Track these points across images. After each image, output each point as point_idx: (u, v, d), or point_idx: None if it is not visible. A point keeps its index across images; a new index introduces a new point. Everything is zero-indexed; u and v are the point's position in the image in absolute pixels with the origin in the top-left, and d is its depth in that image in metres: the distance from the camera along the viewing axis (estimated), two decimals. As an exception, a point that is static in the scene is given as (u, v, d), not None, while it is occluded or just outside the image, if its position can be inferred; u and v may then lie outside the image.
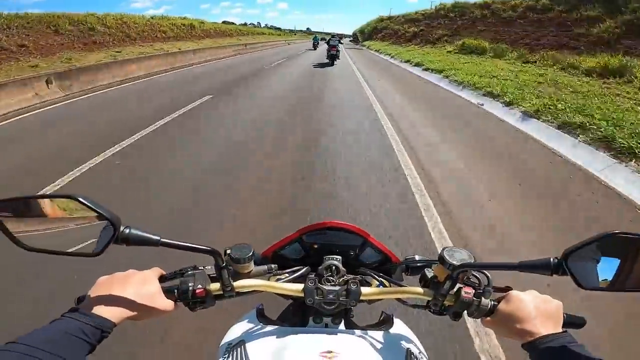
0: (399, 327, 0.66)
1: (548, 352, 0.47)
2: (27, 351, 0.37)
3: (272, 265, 0.65)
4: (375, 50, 26.37)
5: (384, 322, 0.67)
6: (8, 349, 0.37)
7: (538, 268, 0.49)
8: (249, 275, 0.61)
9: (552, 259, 0.48)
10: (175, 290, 0.54)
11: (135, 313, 0.49)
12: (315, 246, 0.70)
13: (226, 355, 0.57)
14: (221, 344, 0.63)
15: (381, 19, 40.94)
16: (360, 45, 39.07)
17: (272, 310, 0.70)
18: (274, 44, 37.37)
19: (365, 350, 0.58)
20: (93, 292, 0.49)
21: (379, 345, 0.59)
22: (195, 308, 0.57)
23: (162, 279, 0.56)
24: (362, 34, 48.38)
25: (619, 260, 0.46)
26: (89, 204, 0.43)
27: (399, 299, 0.65)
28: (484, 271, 0.58)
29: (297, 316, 0.70)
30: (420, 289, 0.59)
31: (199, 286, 0.55)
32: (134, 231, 0.47)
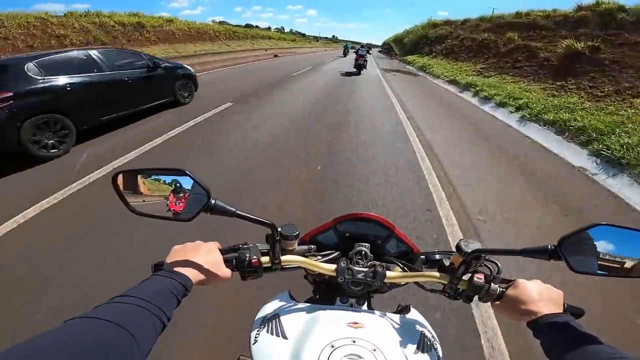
0: (415, 314, 0.74)
1: (549, 327, 0.54)
2: (139, 303, 0.45)
3: (312, 246, 0.76)
4: (448, 81, 12.21)
5: (402, 311, 0.75)
6: (126, 301, 0.45)
7: (537, 253, 0.57)
8: (293, 252, 0.72)
9: (549, 246, 0.56)
10: (234, 260, 0.66)
11: (203, 277, 0.59)
12: (347, 234, 0.80)
13: (262, 327, 0.65)
14: (256, 318, 0.70)
15: (434, 24, 27.22)
16: (399, 60, 26.42)
17: (299, 296, 0.78)
18: (262, 56, 22.99)
19: (385, 327, 0.66)
20: (170, 258, 0.59)
21: (397, 326, 0.68)
22: (247, 277, 0.68)
23: (220, 251, 0.66)
24: (398, 44, 37.49)
25: (610, 248, 0.54)
26: (192, 177, 0.57)
27: (417, 284, 0.75)
28: (495, 261, 0.67)
29: (325, 296, 0.80)
30: (437, 274, 0.69)
31: (254, 257, 0.66)
32: (218, 202, 0.59)
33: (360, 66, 14.98)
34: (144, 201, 0.60)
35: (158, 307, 0.47)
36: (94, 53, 4.67)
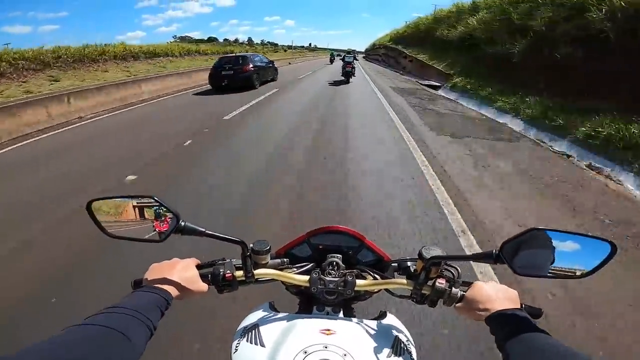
0: (390, 319, 0.77)
1: (500, 320, 0.58)
2: (129, 312, 0.50)
3: (285, 260, 0.80)
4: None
5: (379, 317, 0.78)
6: (117, 311, 0.50)
7: (484, 258, 0.63)
8: (265, 266, 0.76)
9: (494, 251, 0.61)
10: (209, 275, 0.70)
11: (179, 293, 0.63)
12: (320, 247, 0.84)
13: (242, 337, 0.69)
14: (237, 328, 0.73)
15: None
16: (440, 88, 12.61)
17: (287, 307, 0.82)
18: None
19: (358, 333, 0.70)
20: (149, 275, 0.63)
21: (371, 331, 0.70)
22: (223, 291, 0.72)
23: (198, 267, 0.70)
24: (397, 46, 25.94)
25: (547, 251, 0.59)
26: (160, 202, 0.61)
27: (387, 291, 0.79)
28: (455, 266, 0.73)
29: (303, 308, 0.84)
30: (403, 280, 0.74)
31: (228, 271, 0.70)
32: (188, 224, 0.64)
33: (348, 74, 14.75)
34: (118, 226, 0.64)
35: (146, 317, 0.52)
36: (259, 55, 15.15)
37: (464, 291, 0.67)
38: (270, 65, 14.69)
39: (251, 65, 12.07)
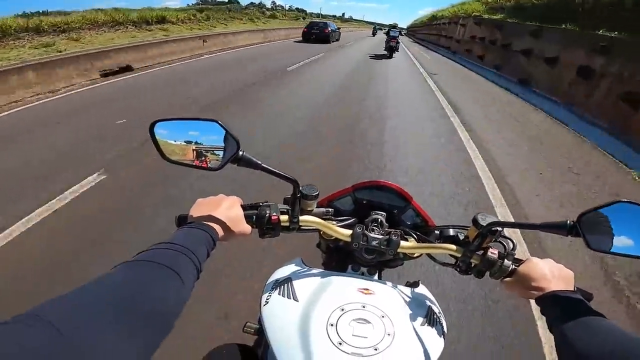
0: (423, 290, 0.76)
1: (555, 303, 0.55)
2: (181, 250, 0.48)
3: (329, 209, 0.80)
4: None
5: (412, 285, 0.77)
6: (170, 248, 0.48)
7: (556, 228, 0.58)
8: (310, 213, 0.75)
9: (568, 221, 0.56)
10: (254, 217, 0.69)
11: (224, 233, 0.61)
12: (365, 202, 0.83)
13: (274, 290, 0.69)
14: (267, 282, 0.73)
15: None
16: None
17: (309, 264, 0.79)
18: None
19: (395, 297, 0.69)
20: (195, 212, 0.62)
21: (407, 298, 0.70)
22: (265, 235, 0.71)
23: (242, 207, 0.69)
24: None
25: (631, 226, 0.53)
26: (224, 127, 0.60)
27: (430, 256, 0.78)
28: (510, 238, 0.69)
29: (337, 264, 0.83)
30: (452, 246, 0.71)
31: (274, 214, 0.69)
32: (246, 155, 0.62)
33: (392, 49, 14.53)
34: (177, 149, 0.64)
35: (195, 256, 0.50)
36: (332, 23, 22.92)
37: (516, 265, 0.65)
38: (338, 30, 23.10)
39: (329, 29, 20.40)
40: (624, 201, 0.53)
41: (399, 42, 14.97)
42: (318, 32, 19.75)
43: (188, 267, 0.47)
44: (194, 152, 0.63)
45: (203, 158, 0.63)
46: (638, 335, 0.44)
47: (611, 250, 0.56)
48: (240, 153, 0.61)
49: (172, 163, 0.64)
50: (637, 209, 0.53)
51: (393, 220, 0.83)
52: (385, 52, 14.77)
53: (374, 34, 34.94)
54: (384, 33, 18.01)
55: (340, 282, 0.70)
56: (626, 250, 0.55)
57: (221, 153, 0.62)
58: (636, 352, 0.42)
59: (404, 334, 0.61)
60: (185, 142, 0.63)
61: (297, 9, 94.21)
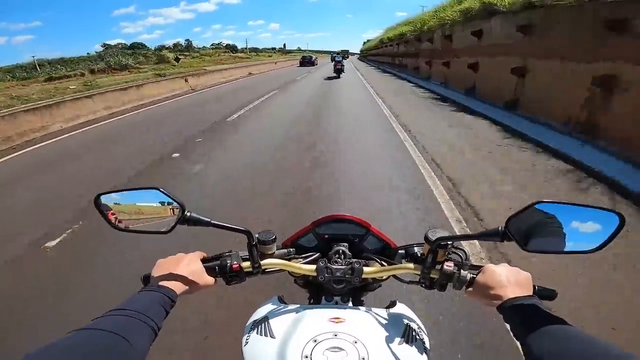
0: (401, 308, 0.77)
1: (515, 310, 0.56)
2: (133, 315, 0.52)
3: (291, 249, 0.82)
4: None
5: (389, 306, 0.78)
6: (122, 314, 0.52)
7: (490, 236, 0.62)
8: (272, 256, 0.78)
9: (500, 227, 0.60)
10: (217, 267, 0.71)
11: (187, 287, 0.65)
12: (326, 236, 0.85)
13: (252, 330, 0.70)
14: (247, 323, 0.74)
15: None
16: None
17: (289, 301, 0.80)
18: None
19: (368, 321, 0.70)
20: (155, 272, 0.65)
21: (381, 320, 0.71)
22: (231, 282, 0.74)
23: (203, 260, 0.72)
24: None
25: (553, 225, 0.57)
26: (166, 193, 0.63)
27: (396, 277, 0.80)
28: (462, 248, 0.73)
29: (313, 297, 0.86)
30: (410, 265, 0.74)
31: (235, 263, 0.72)
32: (193, 214, 0.65)
33: (339, 70, 19.58)
34: (125, 218, 0.67)
35: (150, 318, 0.53)
36: (313, 55, 43.83)
37: (473, 274, 0.67)
38: (316, 59, 40.16)
39: (314, 58, 39.73)
40: (542, 201, 0.58)
41: (343, 65, 20.20)
42: (308, 61, 37.98)
43: (141, 330, 0.51)
44: (142, 219, 0.65)
45: (152, 223, 0.65)
46: (598, 338, 0.46)
47: (544, 249, 0.60)
48: (187, 214, 0.64)
49: (124, 231, 0.66)
50: (552, 207, 0.58)
51: (357, 249, 0.85)
52: (335, 74, 19.33)
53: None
54: (331, 60, 22.88)
55: (313, 314, 0.71)
56: (557, 247, 0.59)
57: (168, 216, 0.65)
58: (598, 357, 0.43)
59: (379, 356, 0.61)
60: (132, 210, 0.65)
61: (226, 45, 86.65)
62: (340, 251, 0.81)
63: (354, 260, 0.77)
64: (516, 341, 0.55)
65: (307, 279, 0.82)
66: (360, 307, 0.76)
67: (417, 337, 0.68)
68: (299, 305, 0.77)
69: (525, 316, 0.55)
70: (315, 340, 0.63)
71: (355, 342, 0.63)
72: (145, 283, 0.66)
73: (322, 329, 0.66)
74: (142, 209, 0.65)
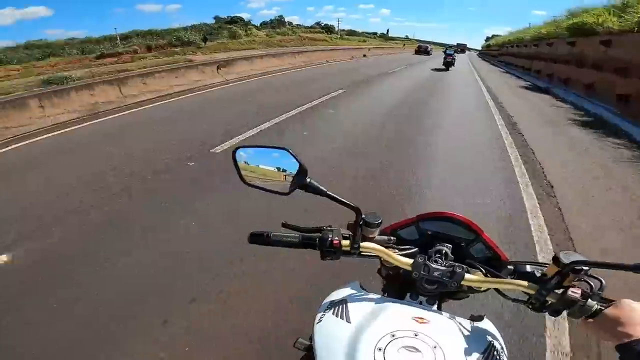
0: (486, 324, 0.73)
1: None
2: None
3: (391, 237, 0.80)
4: None
5: (475, 319, 0.74)
6: None
7: None
8: (372, 240, 0.77)
9: None
10: (317, 239, 0.74)
11: None
12: (429, 233, 0.82)
13: (328, 310, 0.71)
14: (324, 301, 0.75)
15: None
16: None
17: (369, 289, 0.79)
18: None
19: (452, 329, 0.67)
20: None
21: (465, 332, 0.67)
22: (325, 257, 0.75)
23: (305, 230, 0.76)
24: None
25: None
26: (294, 155, 0.69)
27: (499, 292, 0.74)
28: (599, 277, 0.63)
29: (395, 291, 0.83)
30: (524, 282, 0.67)
31: (336, 238, 0.73)
32: (313, 182, 0.70)
33: (448, 63, 19.35)
34: (253, 173, 0.75)
35: None
36: (429, 45, 45.84)
37: (602, 306, 0.60)
38: (431, 49, 41.26)
39: (429, 48, 41.04)
40: None
41: (454, 58, 20.17)
42: (424, 50, 39.85)
43: None
44: (268, 177, 0.72)
45: (275, 183, 0.72)
46: None
47: None
48: (308, 180, 0.68)
49: (249, 186, 0.74)
50: None
51: (460, 253, 0.80)
52: (444, 67, 19.43)
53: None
54: (442, 52, 22.20)
55: (395, 309, 0.70)
56: None
57: (290, 179, 0.71)
58: None
59: None
60: (260, 167, 0.73)
61: (324, 25, 78.48)
62: (443, 251, 0.77)
63: (457, 264, 0.73)
64: None
65: (397, 271, 0.80)
66: (445, 313, 0.73)
67: (497, 357, 0.63)
68: (381, 296, 0.76)
69: None
70: (393, 335, 0.62)
71: (435, 347, 0.60)
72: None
73: (403, 325, 0.65)
74: (269, 169, 0.73)
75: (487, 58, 38.02)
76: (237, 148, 0.74)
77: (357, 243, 0.74)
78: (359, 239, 0.74)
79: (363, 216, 0.74)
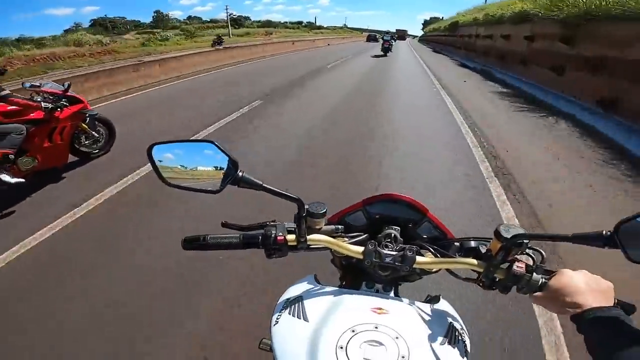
0: (444, 305, 0.72)
1: (595, 322, 0.50)
2: None
3: (339, 226, 0.77)
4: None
5: (431, 301, 0.73)
6: None
7: (590, 240, 0.55)
8: (319, 232, 0.73)
9: (604, 232, 0.53)
10: (260, 237, 0.68)
11: None
12: (377, 217, 0.80)
13: (284, 309, 0.67)
14: (279, 301, 0.71)
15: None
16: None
17: (325, 281, 0.78)
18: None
19: (412, 316, 0.66)
20: None
21: (425, 316, 0.66)
22: (272, 255, 0.70)
23: (247, 228, 0.70)
24: None
25: None
26: (221, 148, 0.60)
27: (450, 272, 0.74)
28: (539, 249, 0.65)
29: (351, 281, 0.81)
30: (473, 260, 0.67)
31: (280, 234, 0.68)
32: (246, 175, 0.62)
33: (386, 49, 21.78)
34: (175, 172, 0.65)
35: None
36: (376, 34, 58.04)
37: (546, 279, 0.61)
38: (380, 36, 41.52)
39: (377, 36, 50.48)
40: None
41: (391, 44, 22.69)
42: (373, 37, 49.95)
43: None
44: (194, 175, 0.63)
45: (202, 181, 0.63)
46: None
47: None
48: (240, 174, 0.61)
49: (172, 187, 0.64)
50: None
51: (408, 235, 0.80)
52: (382, 52, 21.81)
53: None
54: (381, 38, 25.78)
55: (353, 301, 0.68)
56: None
57: (219, 175, 0.63)
58: None
59: (420, 356, 0.57)
60: (182, 165, 0.64)
61: (306, 24, 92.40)
62: (392, 235, 0.75)
63: (407, 246, 0.72)
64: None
65: (350, 260, 0.78)
66: (403, 299, 0.71)
67: (460, 338, 0.63)
68: (337, 288, 0.73)
69: (610, 331, 0.50)
70: (353, 331, 0.59)
71: (397, 338, 0.58)
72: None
73: (362, 318, 0.62)
74: (194, 165, 0.64)
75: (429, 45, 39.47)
76: (153, 145, 0.64)
77: (303, 237, 0.69)
78: (305, 232, 0.70)
79: (307, 207, 0.70)
